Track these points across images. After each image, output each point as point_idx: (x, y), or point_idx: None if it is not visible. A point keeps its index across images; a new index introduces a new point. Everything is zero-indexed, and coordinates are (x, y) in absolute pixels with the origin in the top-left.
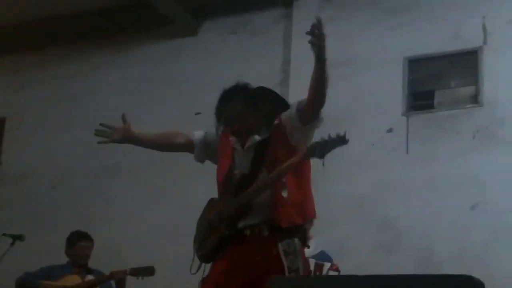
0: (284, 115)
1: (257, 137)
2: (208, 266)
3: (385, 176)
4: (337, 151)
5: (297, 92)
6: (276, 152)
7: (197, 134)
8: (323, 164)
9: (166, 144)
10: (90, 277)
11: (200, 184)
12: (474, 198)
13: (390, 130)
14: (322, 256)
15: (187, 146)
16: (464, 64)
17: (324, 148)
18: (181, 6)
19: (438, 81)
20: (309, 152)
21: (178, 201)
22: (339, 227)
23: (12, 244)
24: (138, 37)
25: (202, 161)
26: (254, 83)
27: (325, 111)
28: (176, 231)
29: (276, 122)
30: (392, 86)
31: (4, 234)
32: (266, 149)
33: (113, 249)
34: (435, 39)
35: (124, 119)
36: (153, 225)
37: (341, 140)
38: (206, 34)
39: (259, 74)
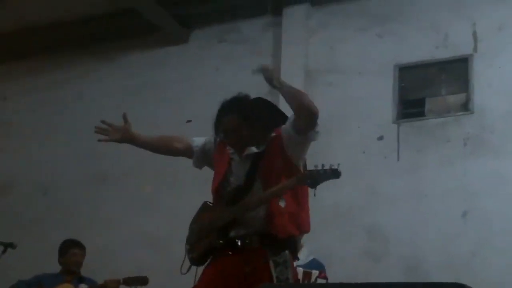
0: (283, 127)
1: (253, 149)
2: (199, 269)
3: (374, 184)
4: (328, 157)
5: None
6: (270, 164)
7: (197, 141)
8: (314, 195)
9: (165, 148)
10: (82, 286)
11: (190, 191)
12: (464, 205)
13: (380, 138)
14: (314, 264)
15: (186, 152)
16: (455, 72)
17: (317, 178)
18: (169, 14)
19: (428, 89)
20: (302, 180)
21: (166, 209)
22: (328, 234)
23: (4, 252)
24: (126, 45)
25: (200, 167)
26: (244, 91)
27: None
28: (165, 239)
29: (274, 134)
30: (383, 94)
31: None
32: (261, 160)
33: (101, 256)
34: (425, 47)
35: (125, 119)
36: (142, 232)
37: (334, 174)
38: (195, 42)
39: (249, 83)
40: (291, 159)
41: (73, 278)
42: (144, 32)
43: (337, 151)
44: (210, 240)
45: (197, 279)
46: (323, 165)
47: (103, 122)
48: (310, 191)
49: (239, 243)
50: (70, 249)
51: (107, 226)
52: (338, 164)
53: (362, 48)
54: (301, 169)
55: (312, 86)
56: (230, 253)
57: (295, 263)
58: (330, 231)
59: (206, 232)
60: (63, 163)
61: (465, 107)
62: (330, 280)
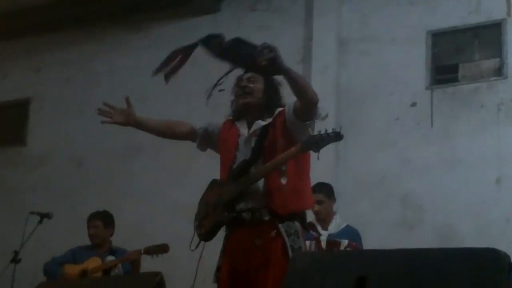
0: (287, 107)
1: (261, 122)
2: (208, 244)
3: (408, 151)
4: (361, 126)
5: (319, 70)
6: (274, 139)
7: (200, 124)
8: (318, 158)
9: (169, 132)
10: (109, 258)
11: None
12: (498, 171)
13: (414, 105)
14: (348, 231)
15: (190, 135)
16: (488, 37)
17: (319, 143)
18: None
19: (461, 54)
20: (305, 146)
21: (200, 179)
22: (362, 203)
23: (40, 222)
24: (158, 16)
25: (203, 150)
26: None
27: (349, 87)
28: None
29: (279, 109)
30: (415, 60)
31: (31, 212)
32: (266, 135)
33: (136, 228)
34: (457, 12)
35: (128, 103)
36: (176, 203)
37: (337, 136)
38: (226, 12)
39: (281, 51)
40: (293, 137)
41: (104, 251)
42: (176, 2)
43: (370, 118)
44: (217, 214)
45: (203, 254)
46: (326, 130)
47: (105, 104)
48: (336, 150)
49: (247, 216)
50: (88, 222)
51: (141, 197)
52: (341, 127)
53: (394, 15)
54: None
55: (345, 54)
56: (239, 227)
57: (325, 233)
58: (363, 200)
59: (213, 207)
60: (97, 135)
61: (499, 72)
62: (365, 248)
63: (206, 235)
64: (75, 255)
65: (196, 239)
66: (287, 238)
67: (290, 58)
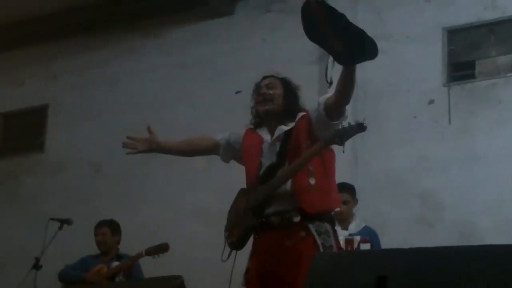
0: (311, 109)
1: (283, 127)
2: (240, 253)
3: (426, 149)
4: (378, 124)
5: (335, 70)
6: (298, 143)
7: (221, 135)
8: (343, 151)
9: (191, 149)
10: (114, 263)
11: (240, 168)
12: None
13: (431, 102)
14: (366, 231)
15: (213, 148)
16: (504, 32)
17: (343, 135)
18: None
19: (477, 51)
20: (330, 139)
21: (218, 183)
22: (380, 201)
23: (60, 228)
24: (172, 19)
25: (227, 161)
26: (291, 60)
27: (365, 86)
28: (217, 213)
29: (301, 114)
30: (432, 57)
31: (51, 219)
32: (289, 139)
33: (154, 232)
34: (473, 8)
35: (150, 130)
36: (194, 207)
37: (360, 128)
38: (240, 14)
39: (296, 52)
40: (318, 138)
41: (110, 258)
42: (190, 5)
43: (388, 117)
44: (246, 221)
45: (236, 263)
46: (349, 122)
47: (128, 137)
48: (354, 148)
49: (276, 220)
50: (95, 230)
51: (158, 201)
52: (364, 119)
53: (409, 13)
54: (332, 152)
55: None
56: (268, 230)
57: (345, 233)
58: (382, 198)
59: (242, 215)
60: (114, 140)
61: None
62: (384, 248)
63: (236, 244)
64: (86, 263)
65: (227, 249)
66: (318, 237)
67: (305, 59)
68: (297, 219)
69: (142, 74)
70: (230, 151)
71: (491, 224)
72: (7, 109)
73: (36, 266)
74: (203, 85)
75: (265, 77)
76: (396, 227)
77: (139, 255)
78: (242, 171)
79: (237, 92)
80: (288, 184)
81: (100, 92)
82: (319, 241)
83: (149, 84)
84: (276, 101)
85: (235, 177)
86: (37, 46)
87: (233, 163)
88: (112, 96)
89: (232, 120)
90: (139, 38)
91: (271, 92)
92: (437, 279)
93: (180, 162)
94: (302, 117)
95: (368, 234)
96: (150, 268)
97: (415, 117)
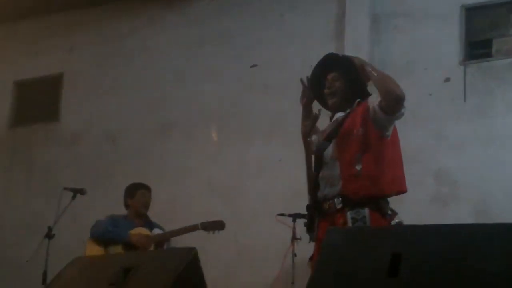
0: (370, 101)
1: (340, 114)
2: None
3: (442, 127)
4: None
5: (351, 46)
6: (350, 128)
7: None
8: None
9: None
10: (157, 231)
11: (256, 141)
12: None
13: (447, 80)
14: None
15: None
16: None
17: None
18: None
19: (495, 29)
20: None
21: (234, 158)
22: None
23: (73, 197)
24: None
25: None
26: (309, 37)
27: (382, 63)
28: (233, 188)
29: (359, 100)
30: (449, 35)
31: (65, 188)
32: (343, 122)
33: (170, 205)
34: None
35: None
36: (210, 181)
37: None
38: None
39: (314, 28)
40: (374, 128)
41: (144, 222)
42: None
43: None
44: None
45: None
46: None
47: None
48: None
49: (326, 207)
50: (139, 190)
51: (174, 174)
52: None
53: None
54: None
55: (378, 30)
56: (322, 216)
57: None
58: None
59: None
60: (130, 112)
61: None
62: None
63: (307, 226)
64: (117, 222)
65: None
66: (351, 225)
67: (322, 35)
68: (339, 205)
69: (160, 48)
70: None
71: (505, 203)
72: (19, 78)
73: (49, 235)
74: (222, 60)
75: (322, 68)
76: (411, 205)
77: (194, 227)
78: (258, 147)
79: (252, 66)
80: (337, 170)
81: (118, 63)
82: None
83: (165, 56)
84: (340, 94)
85: (250, 151)
86: (53, 16)
87: (249, 139)
88: (129, 68)
89: (250, 96)
90: (158, 11)
91: (336, 83)
92: (452, 255)
93: (196, 135)
94: (361, 104)
95: None
96: None
97: (430, 94)
